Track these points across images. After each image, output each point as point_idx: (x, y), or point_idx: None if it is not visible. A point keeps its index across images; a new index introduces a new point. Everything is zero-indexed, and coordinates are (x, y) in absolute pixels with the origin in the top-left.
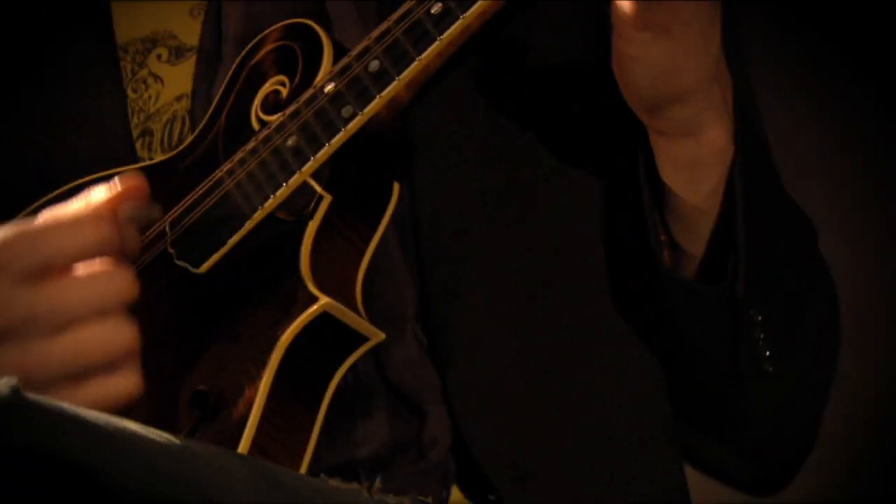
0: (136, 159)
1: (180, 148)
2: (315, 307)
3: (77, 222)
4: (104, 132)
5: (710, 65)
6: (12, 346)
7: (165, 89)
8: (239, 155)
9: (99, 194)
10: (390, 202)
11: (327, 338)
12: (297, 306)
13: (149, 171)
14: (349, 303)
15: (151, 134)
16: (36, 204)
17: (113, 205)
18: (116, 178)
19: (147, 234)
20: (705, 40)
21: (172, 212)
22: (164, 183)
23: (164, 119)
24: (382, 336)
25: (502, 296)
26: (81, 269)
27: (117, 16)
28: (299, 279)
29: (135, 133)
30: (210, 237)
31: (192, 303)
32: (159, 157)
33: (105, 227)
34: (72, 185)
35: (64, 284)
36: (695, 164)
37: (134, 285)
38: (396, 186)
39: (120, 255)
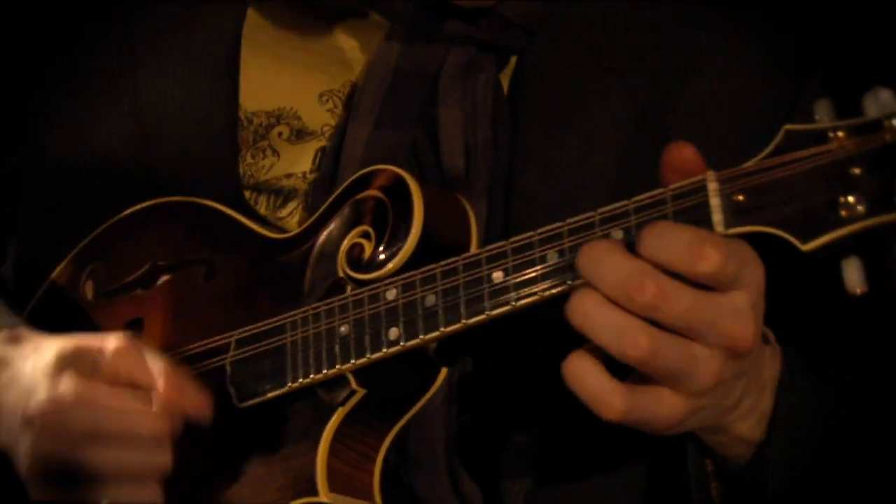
0: (236, 175)
1: (285, 236)
2: (313, 500)
3: (141, 412)
4: (212, 133)
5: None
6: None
7: (279, 164)
8: (307, 311)
9: (172, 388)
10: (430, 389)
11: None
12: (301, 485)
13: (252, 239)
14: (356, 486)
15: (259, 192)
16: (146, 203)
17: (175, 403)
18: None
19: (215, 339)
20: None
21: (246, 329)
22: (259, 266)
23: (271, 187)
24: None
25: None
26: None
27: (248, 83)
28: (313, 462)
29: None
30: (258, 380)
31: (226, 426)
32: (258, 227)
33: (167, 424)
34: (164, 201)
35: (111, 456)
36: (722, 447)
37: (169, 463)
38: (443, 372)
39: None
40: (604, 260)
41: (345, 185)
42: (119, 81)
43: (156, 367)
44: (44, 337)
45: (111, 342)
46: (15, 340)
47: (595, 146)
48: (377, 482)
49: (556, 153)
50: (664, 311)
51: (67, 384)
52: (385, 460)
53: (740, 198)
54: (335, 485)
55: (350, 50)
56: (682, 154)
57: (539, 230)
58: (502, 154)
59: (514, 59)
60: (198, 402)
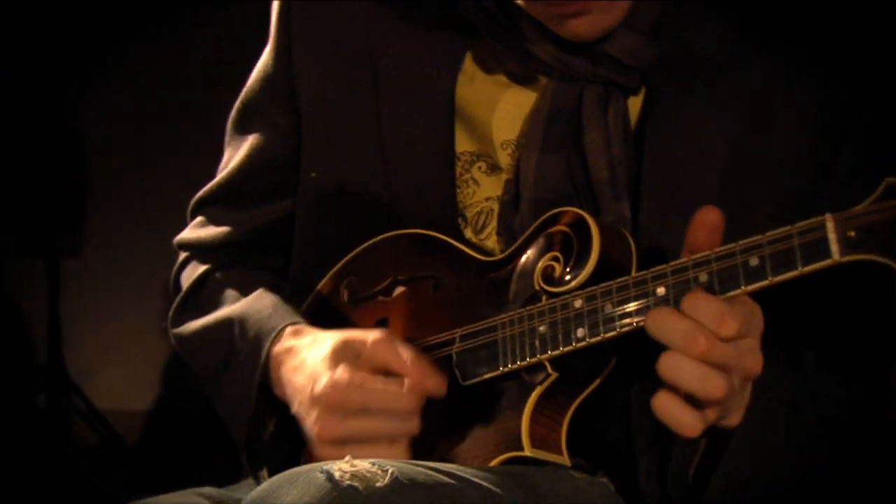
0: (454, 203)
1: (493, 259)
2: (518, 454)
3: (398, 393)
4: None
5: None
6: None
7: (479, 191)
8: (514, 315)
9: (419, 375)
10: (603, 373)
11: (526, 461)
12: (509, 443)
13: (467, 260)
14: (550, 444)
15: (465, 217)
16: (389, 234)
17: (422, 385)
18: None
19: (443, 335)
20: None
21: (467, 328)
22: (474, 281)
23: (474, 210)
24: (568, 464)
25: None
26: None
27: (460, 129)
28: (519, 426)
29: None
30: (477, 365)
31: (453, 399)
32: (472, 251)
33: (417, 401)
34: (403, 232)
35: (377, 425)
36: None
37: (417, 428)
38: (613, 361)
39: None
40: (666, 322)
41: (539, 221)
42: (365, 127)
43: (406, 356)
44: (318, 330)
45: (371, 336)
46: (298, 333)
47: (704, 168)
48: (564, 440)
49: (673, 173)
50: (713, 356)
51: (343, 372)
52: (577, 420)
53: (852, 234)
54: (535, 442)
55: (522, 107)
56: (707, 217)
57: (693, 256)
58: (632, 171)
59: (643, 91)
60: (437, 384)
